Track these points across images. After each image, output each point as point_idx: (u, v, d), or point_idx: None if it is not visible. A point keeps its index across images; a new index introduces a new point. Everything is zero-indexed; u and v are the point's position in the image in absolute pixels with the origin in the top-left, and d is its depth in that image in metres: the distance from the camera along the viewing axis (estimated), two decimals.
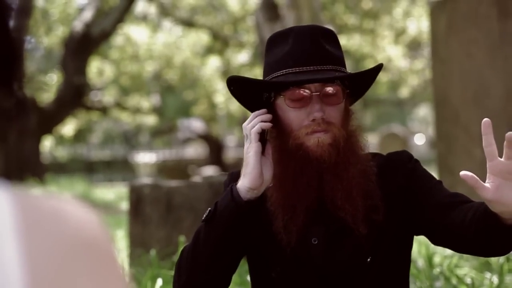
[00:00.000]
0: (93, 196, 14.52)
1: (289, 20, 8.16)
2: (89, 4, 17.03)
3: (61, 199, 0.65)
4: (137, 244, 4.91)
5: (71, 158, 28.18)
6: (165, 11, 20.40)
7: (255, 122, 1.78)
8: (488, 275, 3.86)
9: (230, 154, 22.02)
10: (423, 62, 21.01)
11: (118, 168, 26.54)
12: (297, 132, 1.77)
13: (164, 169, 19.62)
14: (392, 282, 1.84)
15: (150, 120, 23.05)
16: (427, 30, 10.36)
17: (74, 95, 16.18)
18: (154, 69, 21.12)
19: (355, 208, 1.75)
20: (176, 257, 1.96)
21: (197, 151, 24.60)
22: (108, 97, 20.87)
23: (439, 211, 1.75)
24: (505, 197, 1.56)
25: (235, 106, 19.43)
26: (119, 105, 21.02)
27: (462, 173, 1.59)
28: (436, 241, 1.83)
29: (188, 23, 20.39)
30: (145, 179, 9.60)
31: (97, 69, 20.07)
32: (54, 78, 19.24)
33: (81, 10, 18.38)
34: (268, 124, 1.79)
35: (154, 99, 23.42)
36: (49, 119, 16.17)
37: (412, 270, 3.78)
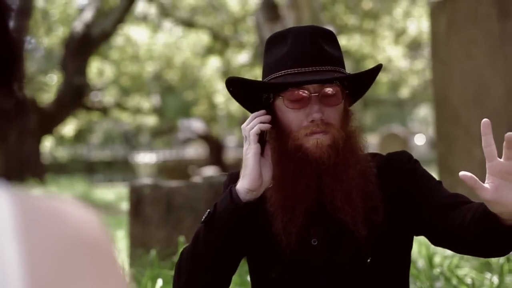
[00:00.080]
0: (93, 196, 14.52)
1: (289, 21, 8.16)
2: (89, 4, 17.03)
3: (61, 200, 0.65)
4: (137, 244, 4.91)
5: (71, 158, 28.17)
6: (165, 12, 20.40)
7: (254, 123, 1.78)
8: (488, 275, 3.86)
9: (230, 155, 22.03)
10: (423, 62, 21.01)
11: (118, 168, 26.53)
12: (296, 133, 1.76)
13: (164, 169, 19.63)
14: (392, 283, 1.84)
15: (150, 120, 23.06)
16: (427, 30, 10.36)
17: (74, 96, 16.19)
18: (154, 69, 21.12)
19: (354, 209, 1.75)
20: (176, 258, 1.96)
21: (197, 152, 24.61)
22: (108, 97, 20.87)
23: (439, 212, 1.75)
24: (504, 197, 1.56)
25: (235, 106, 19.43)
26: (119, 106, 21.02)
27: (462, 173, 1.58)
28: (435, 242, 1.83)
29: (188, 24, 20.39)
30: (145, 180, 9.60)
31: (97, 69, 20.07)
32: (54, 79, 19.24)
33: (81, 10, 18.38)
34: (267, 125, 1.79)
35: (154, 100, 23.42)
36: (49, 120, 16.18)
37: (413, 270, 3.78)
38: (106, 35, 16.66)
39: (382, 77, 20.36)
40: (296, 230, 1.76)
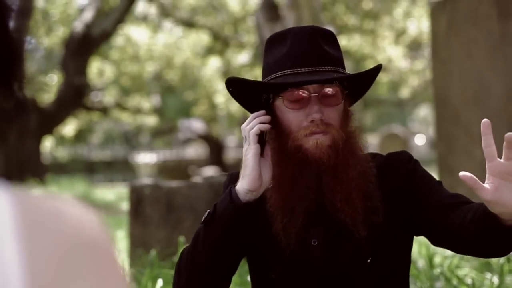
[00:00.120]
0: (93, 196, 14.52)
1: (289, 21, 8.16)
2: (90, 4, 17.03)
3: (61, 200, 0.65)
4: (138, 244, 4.91)
5: (71, 158, 28.18)
6: (165, 12, 20.40)
7: (253, 123, 1.78)
8: (488, 275, 3.86)
9: (230, 155, 22.03)
10: (423, 63, 21.01)
11: (119, 168, 26.54)
12: (296, 134, 1.76)
13: (165, 169, 19.63)
14: (392, 283, 1.84)
15: (151, 120, 23.06)
16: (427, 30, 10.36)
17: (75, 96, 16.19)
18: (154, 69, 21.12)
19: (354, 210, 1.75)
20: (176, 258, 1.96)
21: (198, 152, 24.61)
22: (108, 97, 20.87)
23: (439, 212, 1.75)
24: (504, 198, 1.56)
25: (235, 106, 19.42)
26: (120, 106, 21.03)
27: (461, 173, 1.58)
28: (435, 242, 1.83)
29: (189, 24, 20.39)
30: (146, 180, 9.60)
31: (97, 69, 20.08)
32: (54, 79, 19.24)
33: (81, 10, 18.38)
34: (267, 126, 1.79)
35: (155, 100, 23.42)
36: (50, 120, 16.18)
37: (413, 270, 3.78)
38: (106, 35, 16.66)
39: (382, 77, 20.36)
40: (295, 230, 1.76)
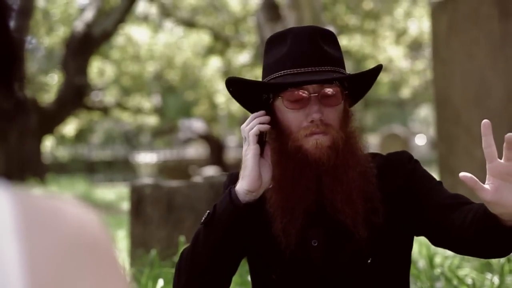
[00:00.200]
0: (94, 196, 14.53)
1: (290, 21, 8.16)
2: (90, 4, 17.04)
3: (62, 199, 0.65)
4: (138, 244, 4.92)
5: (72, 158, 28.18)
6: (166, 12, 20.40)
7: (253, 124, 1.77)
8: (489, 275, 3.86)
9: (231, 154, 22.02)
10: (424, 63, 21.01)
11: (119, 168, 26.55)
12: (295, 134, 1.76)
13: (165, 169, 19.63)
14: (392, 283, 1.83)
15: (151, 120, 23.06)
16: (428, 30, 10.36)
17: (75, 95, 16.19)
18: (155, 69, 21.12)
19: (355, 211, 1.74)
20: (176, 258, 1.96)
21: (198, 152, 24.61)
22: (109, 97, 20.87)
23: (439, 212, 1.75)
24: (504, 198, 1.55)
25: (236, 106, 19.42)
26: (120, 105, 21.03)
27: (462, 174, 1.58)
28: (436, 242, 1.83)
29: (189, 24, 20.39)
30: (146, 179, 9.59)
31: (98, 69, 20.08)
32: (55, 78, 19.24)
33: (82, 10, 18.39)
34: (266, 126, 1.78)
35: (155, 100, 23.42)
36: (50, 119, 16.18)
37: (413, 270, 3.78)
38: (107, 35, 16.67)
39: (383, 77, 20.36)
40: (295, 231, 1.76)
